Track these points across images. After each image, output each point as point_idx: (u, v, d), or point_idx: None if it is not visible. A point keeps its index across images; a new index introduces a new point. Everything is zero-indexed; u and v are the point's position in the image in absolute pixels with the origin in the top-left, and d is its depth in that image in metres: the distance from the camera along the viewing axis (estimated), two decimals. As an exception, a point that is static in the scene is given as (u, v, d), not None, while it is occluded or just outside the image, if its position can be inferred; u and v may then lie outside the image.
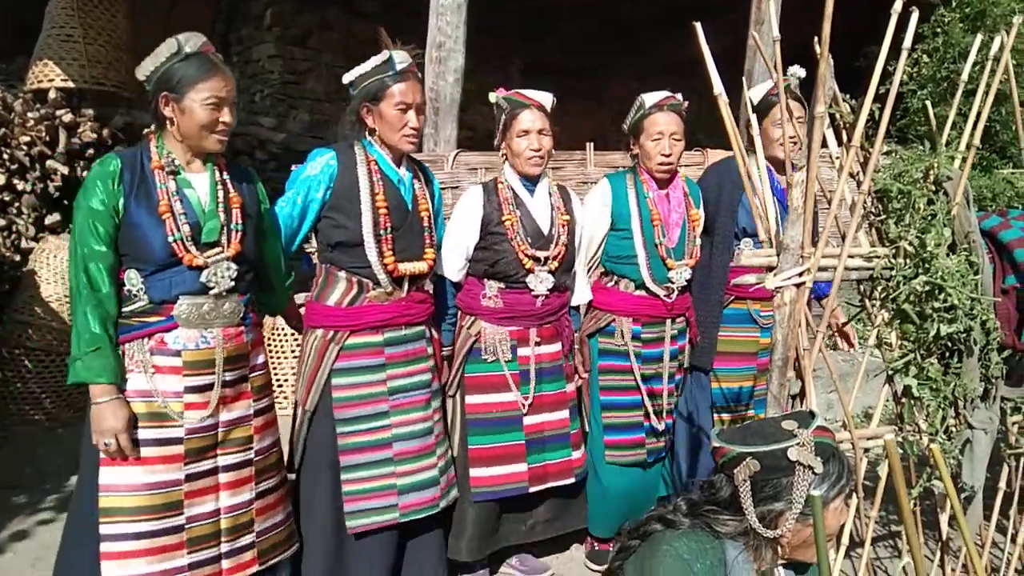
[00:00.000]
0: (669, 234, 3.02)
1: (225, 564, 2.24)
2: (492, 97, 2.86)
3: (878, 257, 1.96)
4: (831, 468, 1.57)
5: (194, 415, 2.17)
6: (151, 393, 2.14)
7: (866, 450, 2.05)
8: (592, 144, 4.51)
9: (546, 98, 2.83)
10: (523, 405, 2.81)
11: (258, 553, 2.31)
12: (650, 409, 3.04)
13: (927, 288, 1.92)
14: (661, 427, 3.07)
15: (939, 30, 5.88)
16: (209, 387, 2.19)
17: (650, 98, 2.97)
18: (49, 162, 4.93)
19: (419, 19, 4.05)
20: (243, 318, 2.28)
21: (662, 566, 1.55)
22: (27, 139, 4.85)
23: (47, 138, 4.96)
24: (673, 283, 3.00)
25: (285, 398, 4.69)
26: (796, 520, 1.55)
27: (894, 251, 1.97)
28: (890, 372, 2.03)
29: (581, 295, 3.08)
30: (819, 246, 1.82)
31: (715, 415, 3.23)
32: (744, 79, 5.35)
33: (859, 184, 1.94)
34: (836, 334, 3.43)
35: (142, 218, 2.10)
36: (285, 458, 2.60)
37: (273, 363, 4.78)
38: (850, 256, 1.92)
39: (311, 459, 2.55)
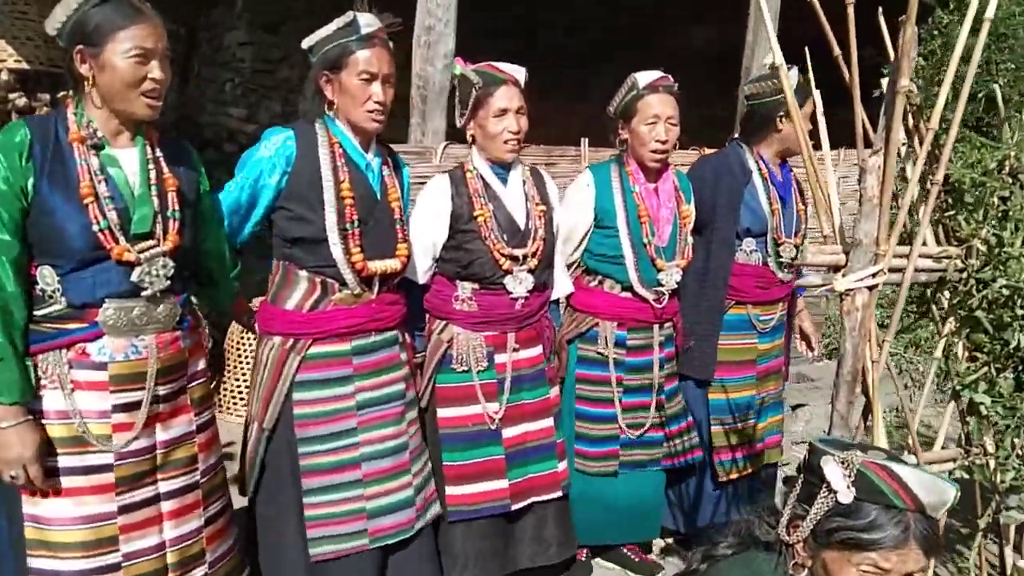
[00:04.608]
0: (659, 232, 2.77)
1: None
2: (457, 70, 2.53)
3: (948, 257, 1.72)
4: (869, 513, 1.35)
5: (124, 437, 1.85)
6: (69, 414, 1.81)
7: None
8: (587, 140, 4.29)
9: (520, 72, 2.54)
10: (492, 420, 2.55)
11: None
12: (622, 423, 2.80)
13: (1005, 293, 1.69)
14: (634, 436, 2.83)
15: (936, 32, 5.76)
16: (140, 404, 1.87)
17: (643, 77, 2.70)
18: None
19: (405, 3, 3.77)
20: (180, 321, 1.96)
21: None
22: (-25, 123, 4.48)
23: (-2, 123, 4.60)
24: (663, 286, 2.75)
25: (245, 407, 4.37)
26: (813, 542, 1.40)
27: (965, 251, 1.74)
28: (958, 388, 1.80)
29: (561, 287, 2.81)
30: (892, 241, 1.58)
31: (715, 427, 3.01)
32: (743, 76, 5.17)
33: (930, 174, 1.70)
34: (799, 338, 3.26)
35: (57, 202, 1.74)
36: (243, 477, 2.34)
37: (241, 370, 4.45)
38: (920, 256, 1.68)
39: (271, 482, 2.27)
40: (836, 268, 1.58)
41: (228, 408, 4.42)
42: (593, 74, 7.36)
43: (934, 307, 1.82)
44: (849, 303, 1.54)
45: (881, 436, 1.64)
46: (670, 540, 3.22)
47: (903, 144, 1.78)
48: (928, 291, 1.80)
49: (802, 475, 1.46)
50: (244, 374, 4.50)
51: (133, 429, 1.85)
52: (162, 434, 1.94)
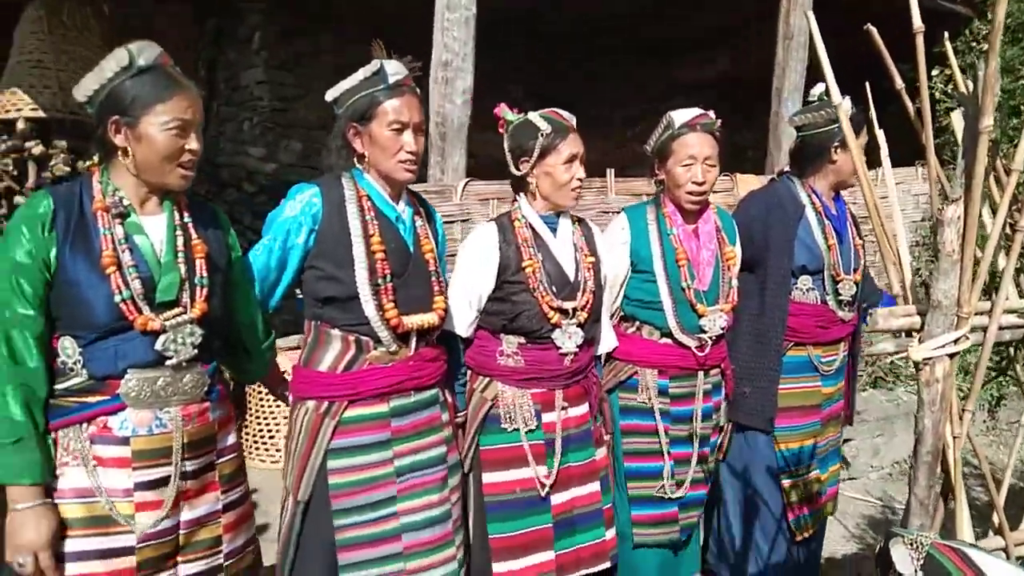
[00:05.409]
0: (699, 275, 2.57)
1: None
2: (509, 116, 2.39)
3: (1035, 312, 1.52)
4: None
5: (148, 518, 1.72)
6: (93, 492, 1.69)
7: (1020, 558, 1.60)
8: (612, 171, 4.14)
9: (573, 119, 2.42)
10: (543, 485, 2.34)
11: None
12: (665, 479, 2.57)
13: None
14: (673, 495, 2.59)
15: (974, 44, 5.52)
16: (165, 481, 1.75)
17: (680, 116, 2.53)
18: (17, 198, 4.52)
19: (421, 40, 3.65)
20: (208, 392, 1.85)
21: None
22: (-9, 173, 4.46)
23: (15, 172, 4.56)
24: (706, 332, 2.54)
25: (278, 450, 4.24)
26: None
27: (1052, 303, 1.54)
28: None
29: (607, 342, 2.61)
30: (973, 300, 1.38)
31: (786, 480, 2.77)
32: (773, 97, 4.99)
33: (1010, 219, 1.50)
34: None
35: (80, 273, 1.67)
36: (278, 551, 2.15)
37: (263, 414, 4.31)
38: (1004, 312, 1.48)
39: (307, 562, 2.09)
40: (909, 331, 1.39)
41: (250, 454, 4.29)
42: (616, 100, 7.24)
43: (1017, 367, 1.62)
44: (927, 374, 1.34)
45: (965, 521, 1.43)
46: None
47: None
48: (1011, 349, 1.60)
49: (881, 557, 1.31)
50: (266, 419, 4.37)
51: (162, 508, 1.74)
52: (187, 513, 1.82)
